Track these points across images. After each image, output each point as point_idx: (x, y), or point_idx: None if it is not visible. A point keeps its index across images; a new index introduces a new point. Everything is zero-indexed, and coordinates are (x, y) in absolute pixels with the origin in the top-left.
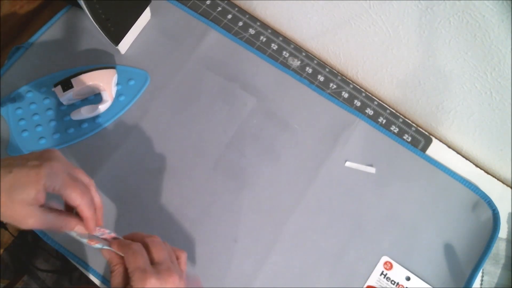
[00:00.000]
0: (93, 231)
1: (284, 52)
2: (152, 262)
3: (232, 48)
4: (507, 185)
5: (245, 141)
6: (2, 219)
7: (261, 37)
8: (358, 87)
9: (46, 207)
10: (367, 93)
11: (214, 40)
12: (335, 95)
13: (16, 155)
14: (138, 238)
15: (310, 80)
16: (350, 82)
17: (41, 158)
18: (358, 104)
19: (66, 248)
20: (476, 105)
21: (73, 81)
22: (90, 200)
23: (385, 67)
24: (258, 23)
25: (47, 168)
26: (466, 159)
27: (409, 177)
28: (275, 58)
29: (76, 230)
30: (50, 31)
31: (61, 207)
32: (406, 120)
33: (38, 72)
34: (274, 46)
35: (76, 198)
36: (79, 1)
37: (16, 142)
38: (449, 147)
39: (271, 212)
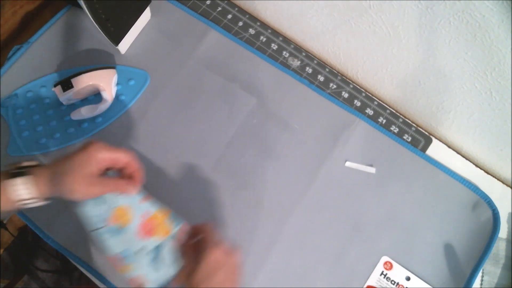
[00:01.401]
0: (142, 181)
1: (284, 52)
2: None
3: (232, 48)
4: (507, 185)
5: (245, 141)
6: (78, 196)
7: (261, 37)
8: (358, 87)
9: (104, 176)
10: (367, 93)
11: (214, 40)
12: (335, 95)
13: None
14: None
15: (310, 80)
16: (350, 82)
17: (84, 144)
18: (358, 104)
19: (66, 248)
20: (476, 105)
21: (73, 81)
22: (134, 158)
23: (385, 67)
24: (258, 23)
25: (94, 146)
26: (466, 159)
27: (409, 177)
28: (275, 58)
29: (127, 190)
30: (50, 31)
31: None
32: (406, 120)
33: (38, 72)
34: (274, 46)
35: (125, 157)
36: (79, 1)
37: (16, 142)
38: (449, 147)
39: (271, 212)
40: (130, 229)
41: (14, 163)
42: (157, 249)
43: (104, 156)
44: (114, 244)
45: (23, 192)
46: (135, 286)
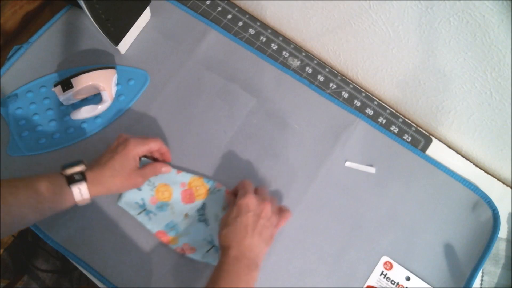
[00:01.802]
0: (170, 159)
1: (284, 52)
2: (256, 192)
3: (232, 48)
4: (507, 185)
5: (245, 141)
6: (125, 190)
7: (261, 37)
8: (358, 87)
9: (141, 164)
10: (367, 93)
11: (214, 40)
12: (335, 95)
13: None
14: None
15: (310, 80)
16: (350, 82)
17: (121, 142)
18: (358, 104)
19: (66, 248)
20: (476, 105)
21: (73, 81)
22: (161, 142)
23: (385, 67)
24: (258, 23)
25: (130, 144)
26: (466, 159)
27: (409, 177)
28: (275, 58)
29: (163, 171)
30: (50, 31)
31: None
32: (406, 120)
33: (38, 72)
34: (274, 46)
35: (155, 144)
36: (79, 1)
37: (16, 142)
38: (449, 147)
39: None
40: (174, 201)
41: (65, 168)
42: (202, 209)
43: (141, 150)
44: (160, 219)
45: (80, 196)
46: (183, 253)
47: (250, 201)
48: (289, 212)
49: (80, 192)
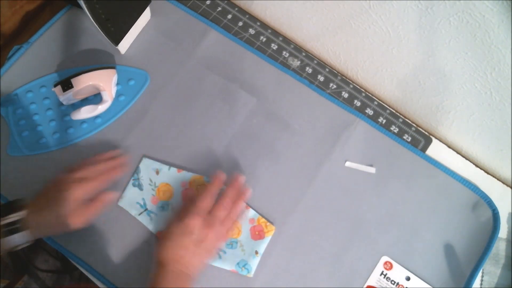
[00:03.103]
0: (126, 164)
1: (284, 52)
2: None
3: (232, 48)
4: (507, 185)
5: (245, 141)
6: (71, 230)
7: (261, 37)
8: (358, 87)
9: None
10: (367, 93)
11: (214, 40)
12: (335, 95)
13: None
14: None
15: (310, 80)
16: (350, 82)
17: (57, 186)
18: (358, 104)
19: (66, 248)
20: (476, 105)
21: (73, 81)
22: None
23: (385, 67)
24: (258, 23)
25: (66, 189)
26: (466, 159)
27: (409, 177)
28: (275, 58)
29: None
30: (50, 31)
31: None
32: (406, 120)
33: (38, 72)
34: (274, 46)
35: (94, 180)
36: (79, 1)
37: (16, 142)
38: (449, 147)
39: (271, 212)
40: (175, 200)
41: (3, 219)
42: None
43: (78, 193)
44: (161, 220)
45: (20, 242)
46: None
47: (195, 223)
48: (244, 203)
49: (20, 240)
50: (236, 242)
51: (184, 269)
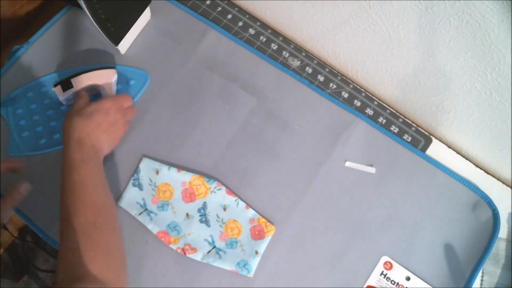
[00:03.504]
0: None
1: (284, 52)
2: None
3: (232, 48)
4: (507, 185)
5: (245, 141)
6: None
7: (261, 37)
8: (358, 87)
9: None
10: (367, 93)
11: (214, 40)
12: (335, 95)
13: None
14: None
15: (310, 80)
16: (350, 82)
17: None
18: (358, 104)
19: None
20: (476, 105)
21: (73, 81)
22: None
23: (385, 67)
24: (258, 23)
25: None
26: (466, 159)
27: (409, 177)
28: (275, 58)
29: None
30: (50, 31)
31: None
32: (406, 120)
33: (38, 72)
34: (274, 46)
35: None
36: (79, 1)
37: (16, 142)
38: (449, 147)
39: (271, 212)
40: (175, 200)
41: None
42: (203, 209)
43: None
44: (162, 219)
45: None
46: (183, 253)
47: (111, 106)
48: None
49: None
50: (236, 242)
51: (95, 142)
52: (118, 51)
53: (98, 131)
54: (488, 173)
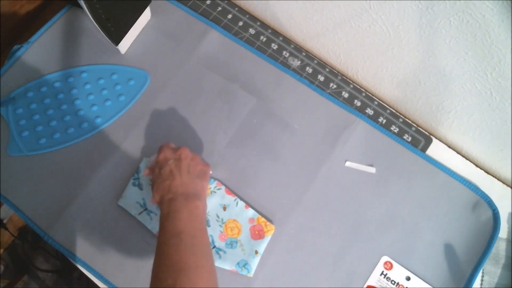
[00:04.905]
0: None
1: (284, 52)
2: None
3: (232, 48)
4: (507, 185)
5: (245, 141)
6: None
7: (261, 37)
8: (358, 87)
9: None
10: (367, 93)
11: (214, 40)
12: (335, 95)
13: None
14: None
15: (310, 80)
16: (350, 82)
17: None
18: (358, 104)
19: (66, 248)
20: (476, 105)
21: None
22: None
23: (385, 67)
24: (258, 23)
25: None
26: (466, 159)
27: (409, 177)
28: (275, 58)
29: None
30: (50, 31)
31: None
32: (406, 120)
33: (38, 72)
34: (274, 46)
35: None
36: (79, 1)
37: (16, 142)
38: (449, 147)
39: (271, 212)
40: None
41: None
42: None
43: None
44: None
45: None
46: None
47: (165, 153)
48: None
49: None
50: (236, 242)
51: (179, 189)
52: (118, 51)
53: (175, 180)
54: (488, 173)
